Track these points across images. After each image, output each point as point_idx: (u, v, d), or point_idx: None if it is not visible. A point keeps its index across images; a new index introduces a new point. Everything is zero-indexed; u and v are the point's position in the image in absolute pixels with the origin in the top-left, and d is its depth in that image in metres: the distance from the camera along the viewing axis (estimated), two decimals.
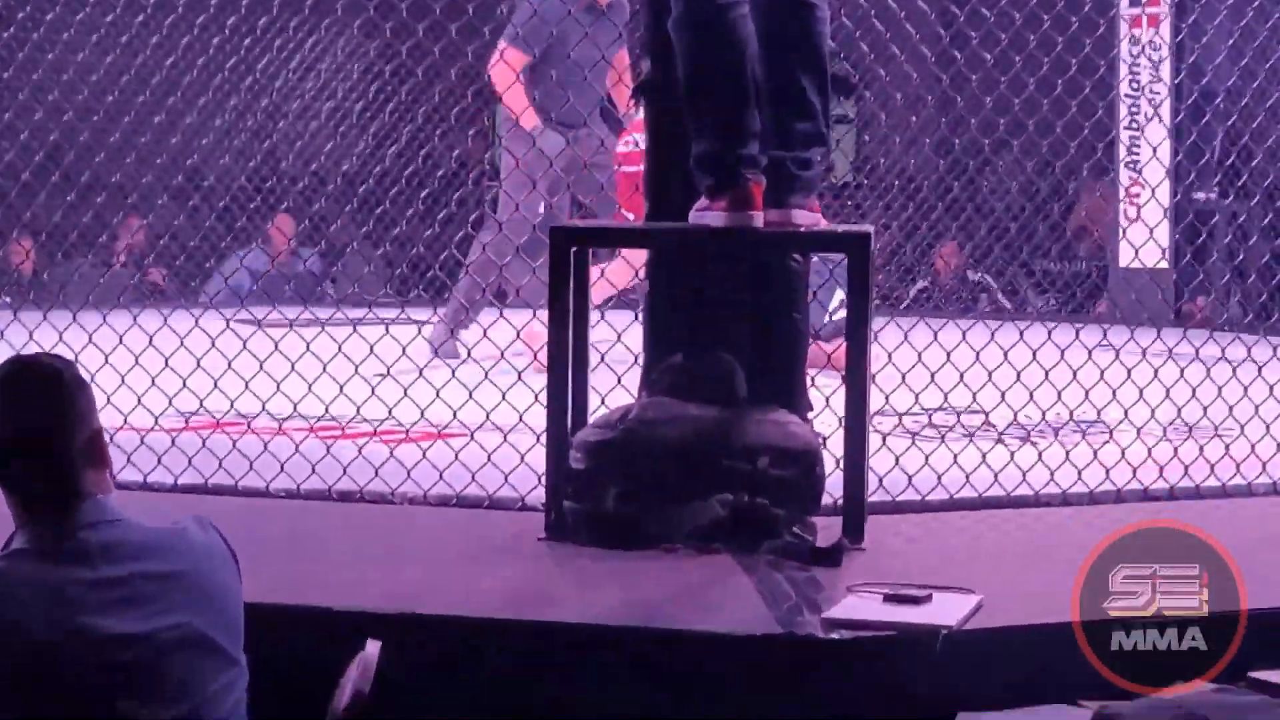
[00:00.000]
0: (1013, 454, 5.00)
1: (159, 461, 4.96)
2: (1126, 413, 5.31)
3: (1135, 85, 9.57)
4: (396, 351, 5.43)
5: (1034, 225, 10.32)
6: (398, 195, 9.44)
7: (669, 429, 4.30)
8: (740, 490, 4.21)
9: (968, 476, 4.82)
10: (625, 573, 4.00)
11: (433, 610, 3.68)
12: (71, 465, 2.72)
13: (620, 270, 6.57)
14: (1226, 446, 5.10)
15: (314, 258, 10.83)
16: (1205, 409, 5.33)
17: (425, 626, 3.60)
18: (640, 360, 4.71)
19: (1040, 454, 5.04)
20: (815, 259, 5.14)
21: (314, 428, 5.35)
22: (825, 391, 4.75)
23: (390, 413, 5.34)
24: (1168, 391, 5.31)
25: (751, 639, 3.51)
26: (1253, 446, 5.12)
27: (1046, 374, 5.22)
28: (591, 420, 4.46)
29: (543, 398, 4.46)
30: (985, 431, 5.53)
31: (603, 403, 4.66)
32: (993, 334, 5.29)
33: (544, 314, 4.44)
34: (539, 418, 4.53)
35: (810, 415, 4.65)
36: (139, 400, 5.28)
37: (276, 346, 5.42)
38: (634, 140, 6.96)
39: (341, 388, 5.28)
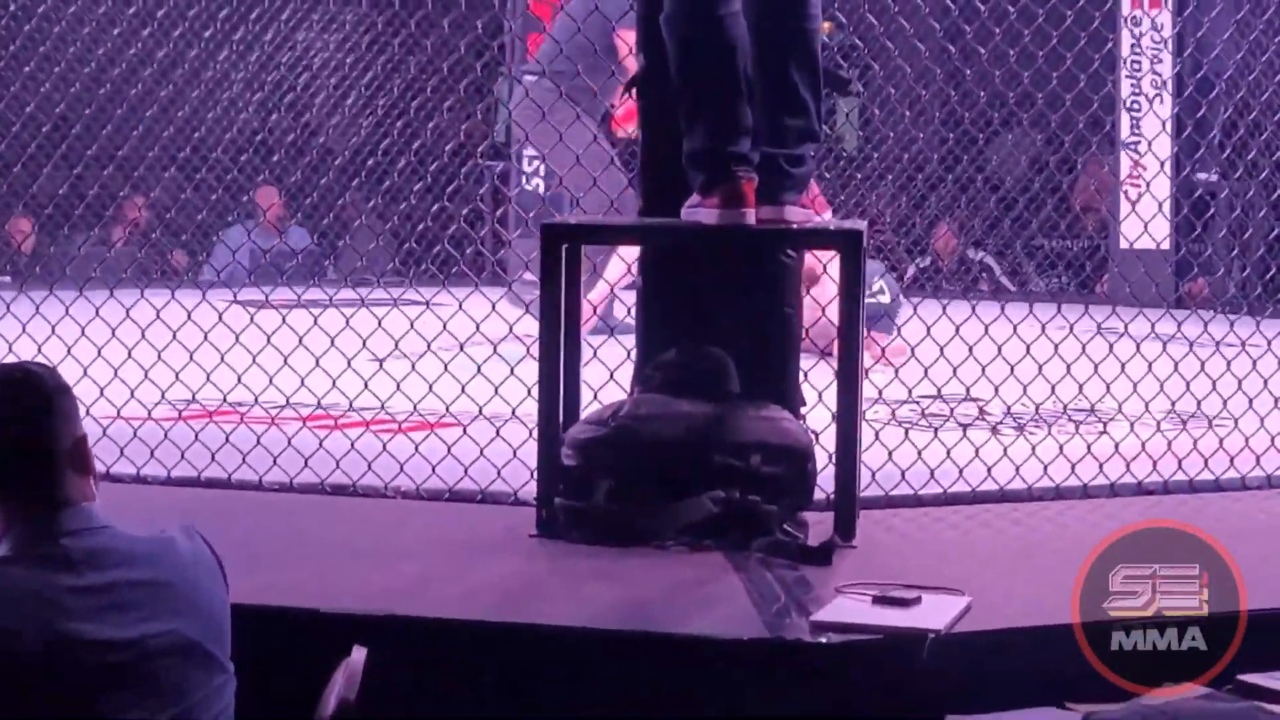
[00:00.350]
0: (1005, 448, 4.99)
1: (151, 454, 4.97)
2: (1121, 405, 5.31)
3: (1136, 66, 9.54)
4: (398, 333, 5.43)
5: (1039, 201, 10.29)
6: (403, 169, 9.42)
7: (661, 426, 4.30)
8: (732, 487, 4.21)
9: (961, 470, 4.82)
10: (615, 572, 4.00)
11: (422, 612, 3.68)
12: (55, 472, 2.72)
13: (614, 267, 6.57)
14: (1220, 440, 5.10)
15: (301, 232, 10.81)
16: (1199, 402, 5.32)
17: (414, 629, 3.61)
18: (633, 355, 4.71)
19: (1034, 447, 5.04)
20: None
21: (307, 418, 5.34)
22: (819, 386, 4.74)
23: (383, 406, 5.34)
24: (1162, 385, 5.31)
25: (739, 642, 3.51)
26: (1247, 440, 5.12)
27: (1040, 368, 5.21)
28: (583, 416, 4.46)
29: (535, 391, 4.46)
30: (980, 422, 5.53)
31: (595, 398, 4.66)
32: (987, 327, 5.27)
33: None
34: (533, 409, 4.52)
35: (803, 410, 4.64)
36: (132, 392, 5.28)
37: (273, 334, 5.39)
38: None
39: (334, 381, 5.28)
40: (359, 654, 2.95)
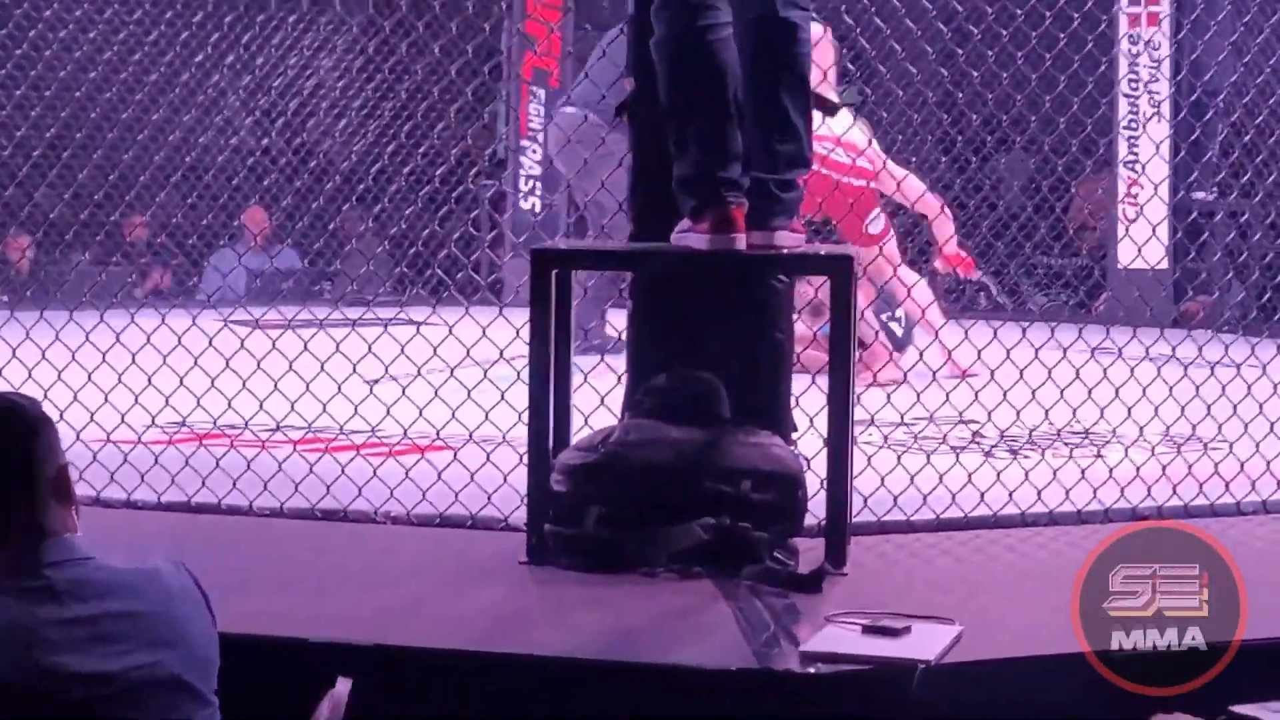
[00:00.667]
0: (999, 473, 4.97)
1: (142, 479, 4.95)
2: (1115, 429, 5.29)
3: (1134, 84, 9.53)
4: (389, 356, 5.41)
5: (1036, 221, 10.28)
6: (394, 193, 9.41)
7: (651, 451, 4.27)
8: (722, 513, 4.19)
9: (954, 496, 4.80)
10: (604, 599, 3.98)
11: (409, 641, 3.67)
12: (38, 504, 2.70)
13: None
14: (1216, 464, 5.08)
15: (292, 254, 10.80)
16: (1195, 426, 5.30)
17: (400, 659, 3.59)
18: (624, 381, 4.69)
19: (1027, 473, 5.01)
20: None
21: (298, 442, 5.32)
22: (810, 411, 4.72)
23: (374, 430, 5.32)
24: (1156, 409, 5.29)
25: (728, 673, 3.49)
26: (1242, 464, 5.10)
27: (1033, 393, 5.19)
28: (574, 441, 4.44)
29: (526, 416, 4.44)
30: (974, 446, 5.50)
31: (586, 423, 4.64)
32: (980, 352, 5.26)
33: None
34: (524, 433, 4.49)
35: (795, 435, 4.62)
36: (122, 417, 5.26)
37: (263, 357, 5.37)
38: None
39: (324, 405, 5.26)
40: (343, 685, 2.92)
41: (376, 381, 5.43)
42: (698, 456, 4.26)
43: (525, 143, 10.59)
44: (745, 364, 4.49)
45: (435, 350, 5.33)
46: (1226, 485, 4.98)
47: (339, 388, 5.27)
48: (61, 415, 4.61)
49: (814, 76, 4.53)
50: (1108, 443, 5.41)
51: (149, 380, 5.31)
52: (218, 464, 5.01)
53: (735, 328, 4.51)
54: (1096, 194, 10.20)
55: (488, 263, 10.46)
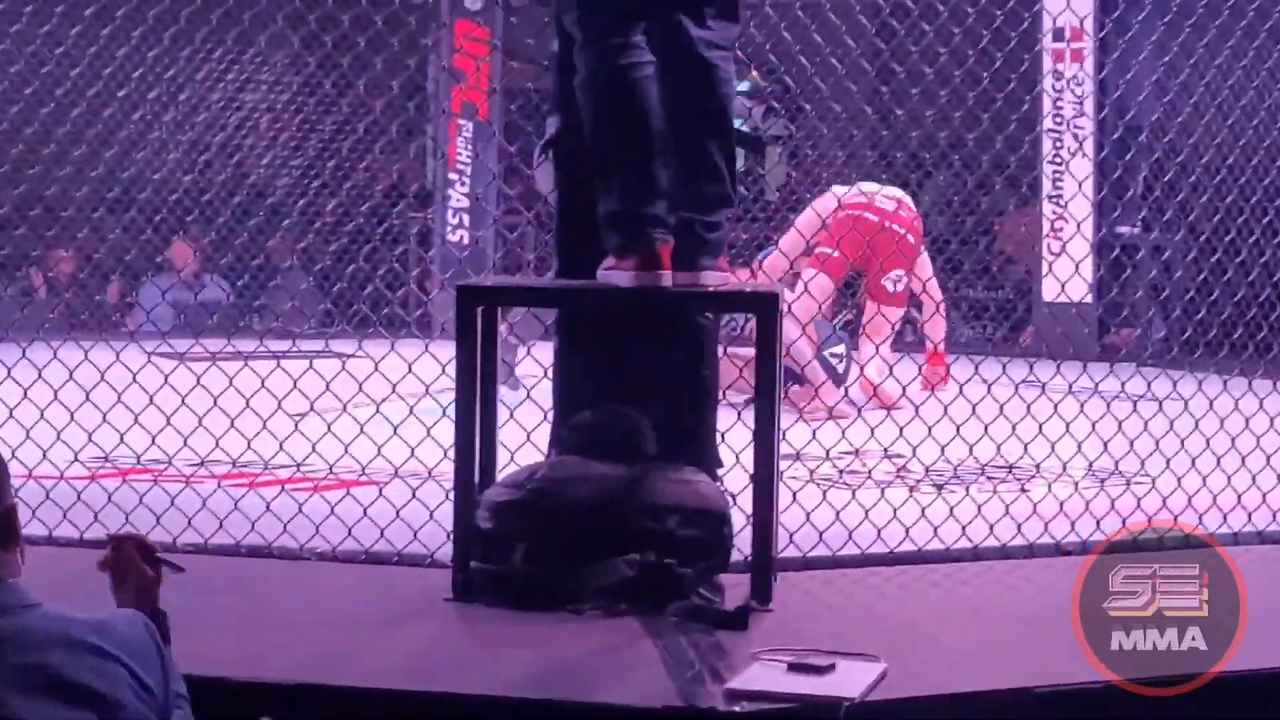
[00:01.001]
0: (924, 508, 4.99)
1: (64, 515, 4.90)
2: (1039, 464, 5.32)
3: (1059, 119, 9.61)
4: (314, 391, 5.38)
5: (961, 254, 10.34)
6: (323, 225, 9.39)
7: (577, 488, 4.28)
8: (648, 550, 4.19)
9: (879, 531, 4.81)
10: (530, 638, 3.97)
11: (333, 680, 3.65)
12: None
13: None
14: (1138, 499, 5.11)
15: (219, 285, 10.76)
16: (1117, 461, 5.34)
17: (324, 698, 3.57)
18: (549, 417, 4.68)
19: (952, 508, 5.04)
20: None
21: (222, 477, 5.29)
22: (736, 447, 4.73)
23: (299, 466, 5.30)
24: (1080, 444, 5.32)
25: (653, 712, 3.48)
26: (1164, 499, 5.13)
27: (958, 428, 5.22)
28: (500, 478, 4.43)
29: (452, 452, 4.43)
30: (899, 481, 5.52)
31: (512, 459, 4.63)
32: (905, 387, 5.28)
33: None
34: (450, 469, 4.48)
35: (720, 471, 4.63)
36: (44, 453, 5.21)
37: (189, 392, 5.34)
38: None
39: (249, 441, 5.23)
40: None
41: (302, 416, 5.40)
42: (624, 493, 4.26)
43: (453, 176, 10.57)
44: (671, 400, 4.49)
45: (361, 385, 5.32)
46: (1149, 520, 5.00)
47: (264, 423, 5.25)
48: None
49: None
50: (1032, 477, 5.43)
51: (71, 416, 5.26)
52: (141, 500, 4.97)
53: (661, 364, 4.51)
54: (1020, 230, 10.27)
55: (415, 297, 10.43)
